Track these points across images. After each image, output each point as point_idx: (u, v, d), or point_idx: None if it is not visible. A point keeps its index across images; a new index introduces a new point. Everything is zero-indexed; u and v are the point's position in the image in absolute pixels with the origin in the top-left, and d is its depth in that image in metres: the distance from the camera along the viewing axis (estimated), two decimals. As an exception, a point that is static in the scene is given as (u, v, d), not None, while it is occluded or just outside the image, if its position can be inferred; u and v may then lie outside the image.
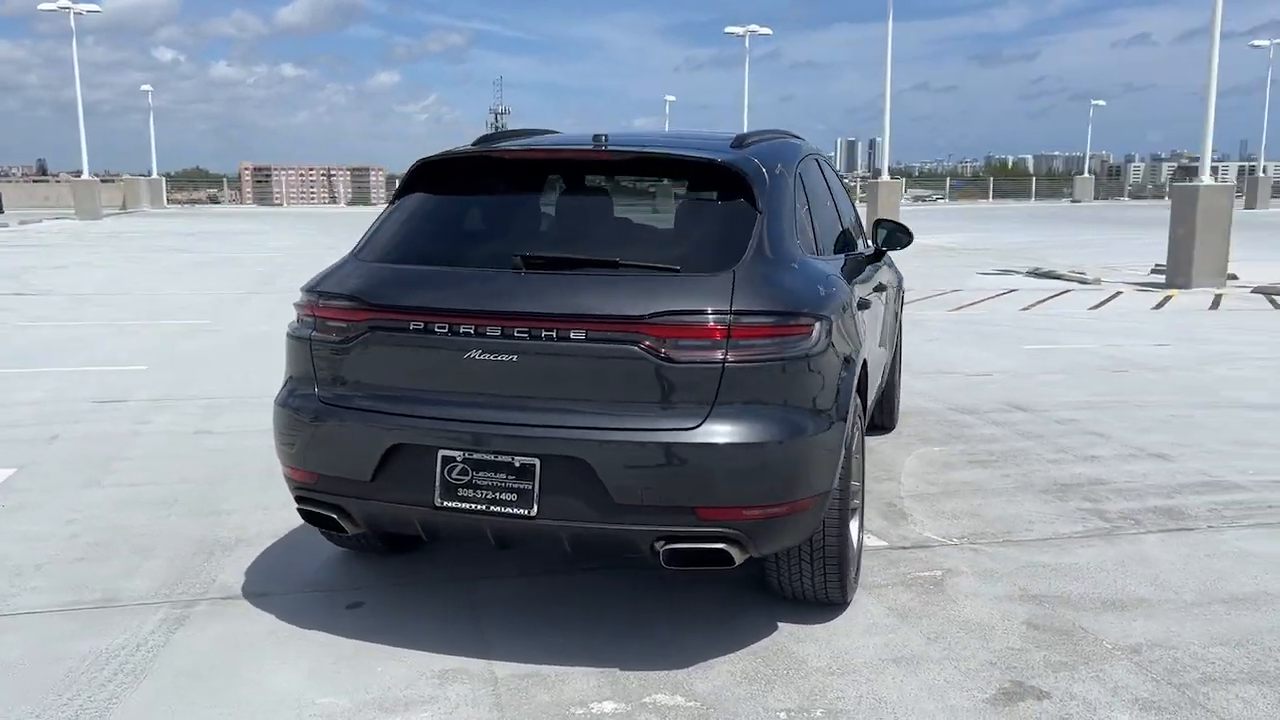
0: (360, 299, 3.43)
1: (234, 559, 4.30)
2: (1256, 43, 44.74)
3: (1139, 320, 12.03)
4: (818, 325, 3.30)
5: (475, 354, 3.25)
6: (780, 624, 3.71)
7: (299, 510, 3.59)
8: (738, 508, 3.16)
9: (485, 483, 3.22)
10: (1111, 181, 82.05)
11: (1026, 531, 4.69)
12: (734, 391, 3.15)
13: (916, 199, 60.23)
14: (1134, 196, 68.93)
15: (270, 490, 5.07)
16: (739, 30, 40.40)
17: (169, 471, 5.55)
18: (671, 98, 50.91)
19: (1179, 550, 4.45)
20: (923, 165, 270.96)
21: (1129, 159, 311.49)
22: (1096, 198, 59.73)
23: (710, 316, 3.16)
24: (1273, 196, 47.75)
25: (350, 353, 3.43)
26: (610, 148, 3.70)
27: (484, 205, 3.88)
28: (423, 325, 3.32)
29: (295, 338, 3.61)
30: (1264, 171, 51.74)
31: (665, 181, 3.77)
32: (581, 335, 3.17)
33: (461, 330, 3.26)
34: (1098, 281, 15.77)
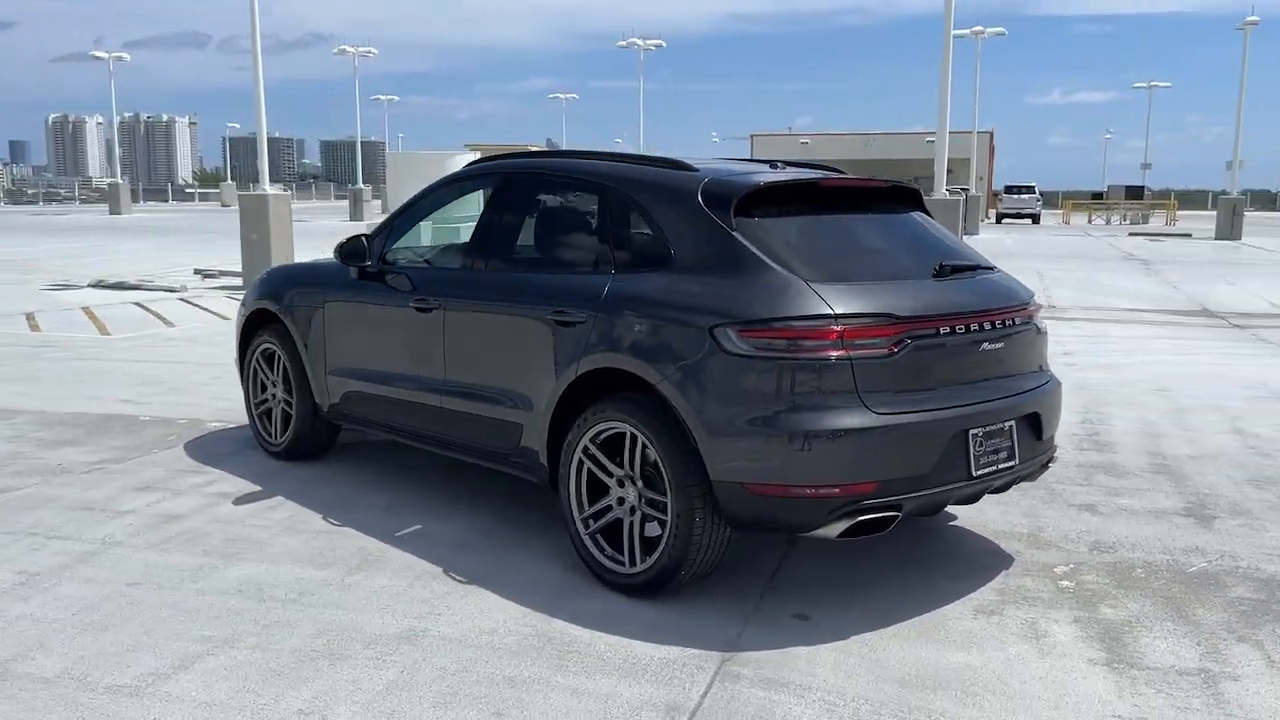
0: (892, 315, 3.89)
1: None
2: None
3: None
4: None
5: (987, 345, 4.15)
6: (957, 525, 5.15)
7: (850, 525, 3.80)
8: (1055, 432, 4.67)
9: (991, 448, 4.13)
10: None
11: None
12: (1046, 352, 4.71)
13: None
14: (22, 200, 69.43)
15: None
16: None
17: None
18: None
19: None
20: None
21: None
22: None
23: (1036, 298, 4.67)
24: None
25: (891, 363, 3.86)
26: (884, 178, 4.73)
27: (853, 225, 4.53)
28: (950, 329, 4.03)
29: (819, 362, 3.77)
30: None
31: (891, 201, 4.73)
32: (1025, 320, 4.39)
33: (985, 327, 4.13)
34: (184, 288, 15.77)
